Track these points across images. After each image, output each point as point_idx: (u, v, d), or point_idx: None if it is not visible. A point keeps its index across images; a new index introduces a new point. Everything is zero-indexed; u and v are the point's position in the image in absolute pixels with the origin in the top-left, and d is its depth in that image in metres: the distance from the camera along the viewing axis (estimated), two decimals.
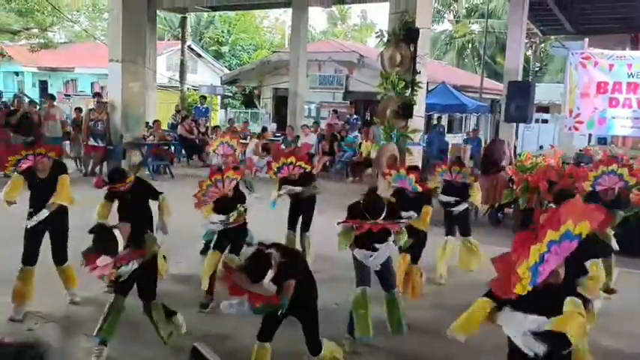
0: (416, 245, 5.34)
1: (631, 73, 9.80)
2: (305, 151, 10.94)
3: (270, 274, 3.18)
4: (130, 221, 4.01)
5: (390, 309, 4.58)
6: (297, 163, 5.90)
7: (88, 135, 11.95)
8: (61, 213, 4.87)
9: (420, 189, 5.30)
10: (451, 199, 6.11)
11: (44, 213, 4.65)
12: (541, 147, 16.33)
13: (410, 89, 8.91)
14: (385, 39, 9.35)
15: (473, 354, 4.40)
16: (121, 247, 3.71)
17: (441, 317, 5.13)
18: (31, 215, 4.73)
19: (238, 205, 5.00)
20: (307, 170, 6.05)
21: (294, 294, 3.30)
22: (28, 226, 4.73)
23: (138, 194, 4.85)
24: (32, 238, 4.78)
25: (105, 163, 12.15)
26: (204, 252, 6.02)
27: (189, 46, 24.11)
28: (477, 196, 6.23)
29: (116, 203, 4.97)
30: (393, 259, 4.70)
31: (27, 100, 14.83)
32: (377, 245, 4.30)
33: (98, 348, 3.97)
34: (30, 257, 4.76)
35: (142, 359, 4.13)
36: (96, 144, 11.96)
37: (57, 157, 4.89)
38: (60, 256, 4.94)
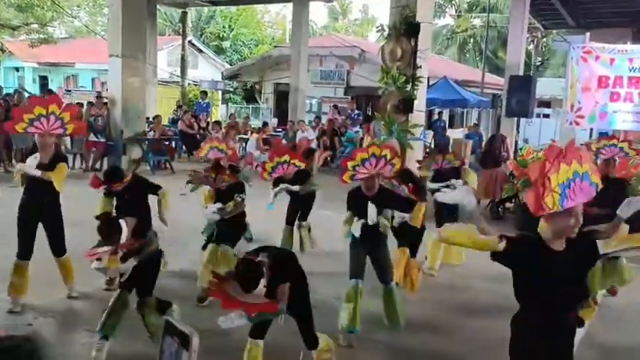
0: (415, 240, 5.35)
1: (632, 68, 9.76)
2: (304, 146, 10.94)
3: (262, 282, 3.13)
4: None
5: (386, 302, 4.60)
6: (292, 161, 5.84)
7: (88, 130, 11.95)
8: (53, 202, 4.82)
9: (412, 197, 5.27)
10: (440, 184, 6.01)
11: (33, 166, 4.58)
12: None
13: (411, 84, 8.88)
14: (386, 33, 9.31)
15: (471, 350, 4.41)
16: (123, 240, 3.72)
17: (437, 313, 5.16)
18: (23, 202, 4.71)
19: (236, 195, 5.01)
20: (302, 168, 6.00)
21: (289, 296, 3.30)
22: (20, 204, 4.71)
23: (135, 192, 4.84)
24: (25, 230, 4.76)
25: (105, 159, 12.17)
26: (205, 248, 6.01)
27: (189, 42, 24.07)
28: (472, 178, 6.23)
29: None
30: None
31: (27, 95, 14.81)
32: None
33: (99, 342, 3.96)
34: (24, 251, 4.75)
35: (141, 356, 4.14)
36: (96, 139, 11.97)
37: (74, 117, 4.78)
38: (58, 247, 4.92)
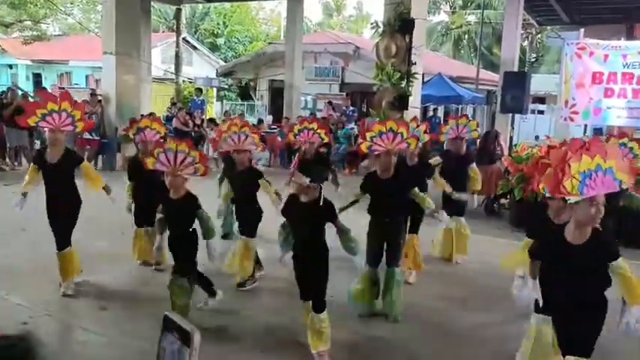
0: (417, 217, 5.51)
1: (626, 64, 9.77)
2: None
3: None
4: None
5: (388, 284, 4.65)
6: (318, 131, 5.90)
7: None
8: (72, 198, 4.88)
9: None
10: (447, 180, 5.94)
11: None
12: (537, 137, 16.32)
13: (405, 80, 8.90)
14: (380, 30, 9.31)
15: (471, 344, 4.42)
16: None
17: (437, 306, 5.17)
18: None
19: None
20: (325, 142, 6.13)
21: (316, 238, 3.79)
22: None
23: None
24: (55, 225, 4.86)
25: (100, 157, 12.13)
26: (225, 237, 6.32)
27: (184, 39, 23.99)
28: (476, 176, 6.17)
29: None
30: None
31: (20, 93, 14.74)
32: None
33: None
34: (61, 243, 4.85)
35: (137, 350, 4.13)
36: (90, 137, 11.91)
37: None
38: (64, 240, 4.91)
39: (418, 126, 5.69)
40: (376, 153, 4.51)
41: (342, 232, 3.88)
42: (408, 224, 5.41)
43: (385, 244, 4.64)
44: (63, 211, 4.85)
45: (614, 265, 2.77)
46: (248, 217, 5.22)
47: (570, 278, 2.85)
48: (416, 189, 4.68)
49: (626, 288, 2.81)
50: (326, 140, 6.19)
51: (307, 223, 3.79)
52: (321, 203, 3.71)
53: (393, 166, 4.52)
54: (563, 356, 3.01)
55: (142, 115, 13.69)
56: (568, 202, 2.79)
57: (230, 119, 6.18)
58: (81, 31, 26.38)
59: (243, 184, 5.18)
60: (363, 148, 4.52)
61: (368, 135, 4.44)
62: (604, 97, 10.10)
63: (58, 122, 4.61)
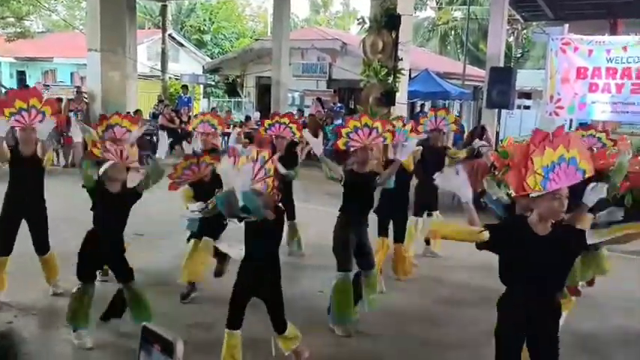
0: (399, 225, 5.44)
1: (610, 59, 9.88)
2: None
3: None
4: None
5: (368, 287, 4.59)
6: (290, 125, 5.81)
7: (67, 126, 11.80)
8: (38, 199, 4.80)
9: None
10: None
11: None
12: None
13: (392, 76, 8.92)
14: (367, 26, 9.32)
15: (458, 340, 4.46)
16: None
17: (423, 304, 5.21)
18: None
19: (216, 191, 4.93)
20: (296, 140, 5.92)
21: (260, 273, 3.57)
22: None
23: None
24: (8, 227, 4.72)
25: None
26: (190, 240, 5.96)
27: (170, 35, 23.82)
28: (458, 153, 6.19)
29: None
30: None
31: (4, 90, 14.58)
32: None
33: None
34: (6, 247, 4.70)
35: (122, 350, 4.11)
36: None
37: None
38: (42, 245, 4.87)
39: (404, 125, 5.63)
40: (353, 149, 4.47)
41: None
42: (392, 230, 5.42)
43: (357, 247, 4.47)
44: (33, 214, 4.78)
45: (588, 234, 2.73)
46: (215, 218, 5.10)
47: (532, 273, 2.74)
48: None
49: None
50: (298, 135, 5.97)
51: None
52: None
53: (369, 161, 4.49)
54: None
55: (128, 113, 13.73)
56: (530, 196, 2.74)
57: (202, 115, 6.01)
58: (65, 28, 26.11)
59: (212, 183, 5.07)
60: (340, 145, 4.50)
61: (343, 131, 4.44)
62: (588, 91, 10.21)
63: (29, 120, 4.49)
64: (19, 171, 4.65)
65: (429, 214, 6.19)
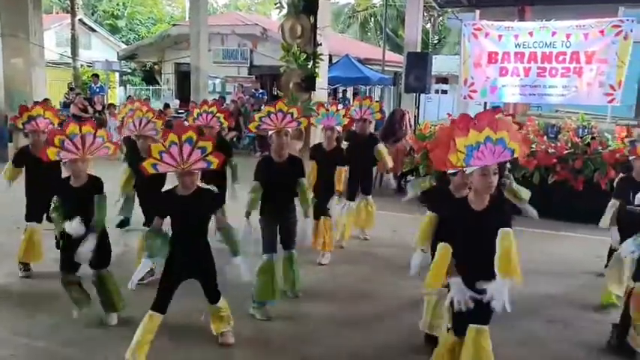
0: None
1: (518, 44, 10.34)
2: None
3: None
4: None
5: (286, 268, 4.67)
6: (217, 114, 5.74)
7: None
8: None
9: None
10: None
11: None
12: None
13: (312, 61, 8.90)
14: (285, 10, 9.23)
15: (386, 310, 4.54)
16: None
17: (346, 282, 5.28)
18: None
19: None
20: (224, 128, 5.98)
21: (194, 254, 3.62)
22: None
23: None
24: None
25: None
26: (121, 226, 5.49)
27: (80, 20, 22.59)
28: (383, 152, 6.30)
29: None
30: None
31: None
32: None
33: None
34: None
35: (31, 348, 3.88)
36: None
37: None
38: None
39: (338, 110, 5.73)
40: (270, 133, 4.46)
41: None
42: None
43: (279, 228, 4.56)
44: None
45: (503, 231, 2.88)
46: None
47: (479, 245, 2.94)
48: (303, 179, 4.59)
49: (502, 258, 2.83)
50: (225, 125, 6.04)
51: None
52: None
53: (286, 148, 4.47)
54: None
55: (36, 102, 12.89)
56: (465, 172, 2.99)
57: (131, 102, 5.83)
58: None
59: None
60: (251, 127, 4.59)
61: (257, 116, 4.52)
62: (499, 75, 10.64)
63: None
64: None
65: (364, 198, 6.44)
